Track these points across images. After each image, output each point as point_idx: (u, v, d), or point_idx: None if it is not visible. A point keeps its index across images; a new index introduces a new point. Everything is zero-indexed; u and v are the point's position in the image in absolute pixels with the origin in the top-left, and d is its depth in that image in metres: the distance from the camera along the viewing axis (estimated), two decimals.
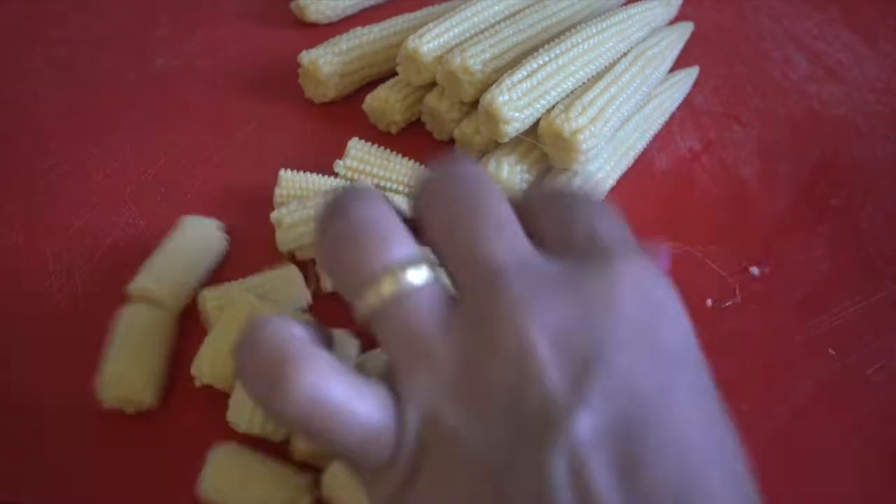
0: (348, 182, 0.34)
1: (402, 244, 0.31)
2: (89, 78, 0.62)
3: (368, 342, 0.46)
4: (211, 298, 0.46)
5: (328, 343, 0.34)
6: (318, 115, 0.59)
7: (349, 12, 0.65)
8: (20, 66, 0.63)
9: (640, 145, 0.55)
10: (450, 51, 0.53)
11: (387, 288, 0.30)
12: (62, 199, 0.54)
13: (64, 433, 0.43)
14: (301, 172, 0.52)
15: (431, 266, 0.31)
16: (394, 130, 0.57)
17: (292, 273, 0.47)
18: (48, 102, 0.60)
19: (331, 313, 0.46)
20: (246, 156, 0.56)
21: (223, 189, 0.54)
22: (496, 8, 0.57)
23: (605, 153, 0.52)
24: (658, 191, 0.54)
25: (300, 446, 0.41)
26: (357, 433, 0.30)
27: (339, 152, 0.53)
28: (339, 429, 0.29)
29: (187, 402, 0.44)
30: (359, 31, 0.59)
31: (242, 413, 0.41)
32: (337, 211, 0.32)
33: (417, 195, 0.33)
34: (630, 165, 0.54)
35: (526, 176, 0.51)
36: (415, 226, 0.33)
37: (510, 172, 0.50)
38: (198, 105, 0.60)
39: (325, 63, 0.57)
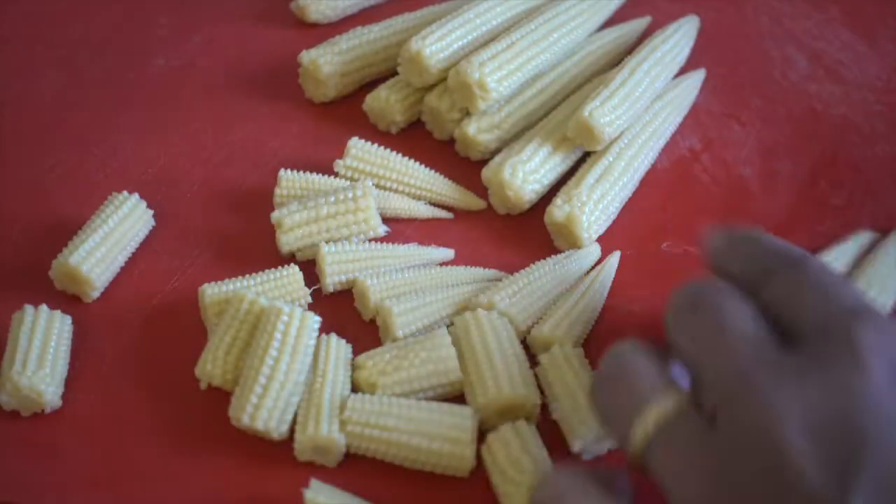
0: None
1: (660, 385, 0.34)
2: (89, 78, 0.62)
3: (360, 348, 0.46)
4: (211, 297, 0.46)
5: (621, 486, 0.37)
6: (318, 115, 0.59)
7: (349, 12, 0.65)
8: (20, 66, 0.63)
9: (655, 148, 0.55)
10: (463, 58, 0.53)
11: (654, 418, 0.33)
12: (62, 199, 0.54)
13: None
14: (301, 172, 0.52)
15: (682, 394, 0.34)
16: (394, 130, 0.57)
17: (292, 273, 0.47)
18: (48, 102, 0.60)
19: (330, 314, 0.46)
20: (246, 156, 0.56)
21: (223, 189, 0.54)
22: (499, 9, 0.57)
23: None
24: (658, 190, 0.54)
25: (303, 446, 0.41)
26: None
27: (339, 152, 0.53)
28: None
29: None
30: (359, 31, 0.59)
31: (243, 407, 0.41)
32: (608, 361, 0.36)
33: (669, 321, 0.36)
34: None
35: (537, 187, 0.51)
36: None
37: (524, 181, 0.50)
38: (198, 105, 0.60)
39: (325, 63, 0.57)
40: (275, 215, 0.49)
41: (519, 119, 0.54)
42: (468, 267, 0.49)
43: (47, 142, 0.57)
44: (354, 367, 0.44)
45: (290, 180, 0.51)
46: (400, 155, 0.53)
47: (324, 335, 0.44)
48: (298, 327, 0.42)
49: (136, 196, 0.51)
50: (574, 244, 0.50)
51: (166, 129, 0.58)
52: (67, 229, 0.49)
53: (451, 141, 0.56)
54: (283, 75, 0.60)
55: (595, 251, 0.50)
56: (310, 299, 0.47)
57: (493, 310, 0.45)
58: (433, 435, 0.40)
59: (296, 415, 0.42)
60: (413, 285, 0.47)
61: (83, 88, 0.61)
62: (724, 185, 0.54)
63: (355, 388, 0.43)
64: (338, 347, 0.44)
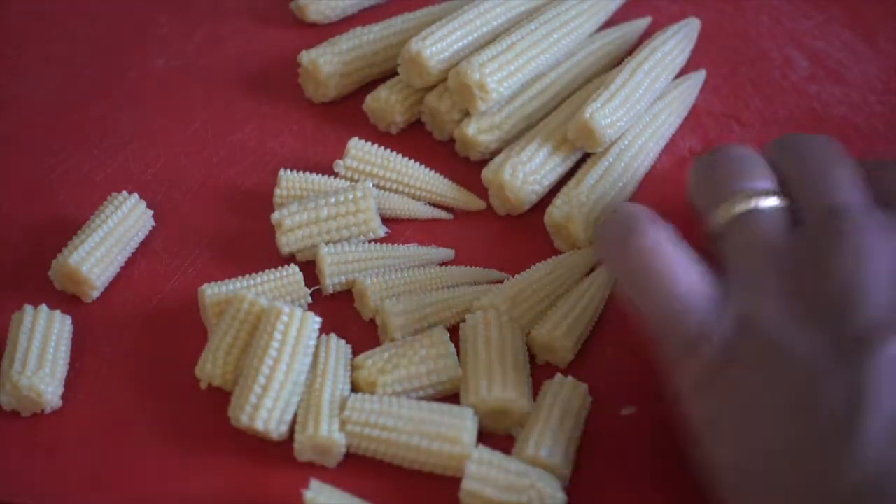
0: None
1: (763, 178, 0.37)
2: (89, 78, 0.62)
3: (360, 348, 0.46)
4: (211, 297, 0.46)
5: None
6: (318, 115, 0.59)
7: (349, 12, 0.65)
8: (20, 66, 0.63)
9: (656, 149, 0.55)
10: (463, 59, 0.53)
11: (739, 206, 0.36)
12: (62, 199, 0.54)
13: None
14: (301, 172, 0.52)
15: (783, 199, 0.36)
16: (394, 131, 0.57)
17: (292, 273, 0.47)
18: (48, 102, 0.60)
19: (330, 315, 0.46)
20: (246, 156, 0.56)
21: (223, 189, 0.54)
22: (499, 10, 0.57)
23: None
24: (658, 190, 0.54)
25: (302, 446, 0.41)
26: (682, 295, 0.34)
27: (339, 152, 0.53)
28: (669, 285, 0.34)
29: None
30: (359, 31, 0.59)
31: (242, 407, 0.41)
32: (716, 149, 0.39)
33: (778, 149, 0.38)
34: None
35: (537, 188, 0.51)
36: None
37: (524, 182, 0.50)
38: (198, 105, 0.60)
39: (325, 63, 0.57)
40: (275, 216, 0.49)
41: (519, 119, 0.54)
42: (468, 267, 0.49)
43: (47, 142, 0.57)
44: (354, 368, 0.44)
45: (290, 180, 0.51)
46: (400, 155, 0.53)
47: (323, 335, 0.44)
48: (298, 328, 0.42)
49: (136, 196, 0.51)
50: (573, 245, 0.49)
51: (166, 129, 0.58)
52: (67, 229, 0.49)
53: (451, 141, 0.56)
54: (283, 75, 0.60)
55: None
56: (310, 300, 0.47)
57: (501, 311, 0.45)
58: (433, 435, 0.40)
59: (295, 415, 0.42)
60: (412, 285, 0.47)
61: (83, 88, 0.61)
62: None
63: (355, 388, 0.44)
64: (337, 348, 0.44)
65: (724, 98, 0.60)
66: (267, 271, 0.47)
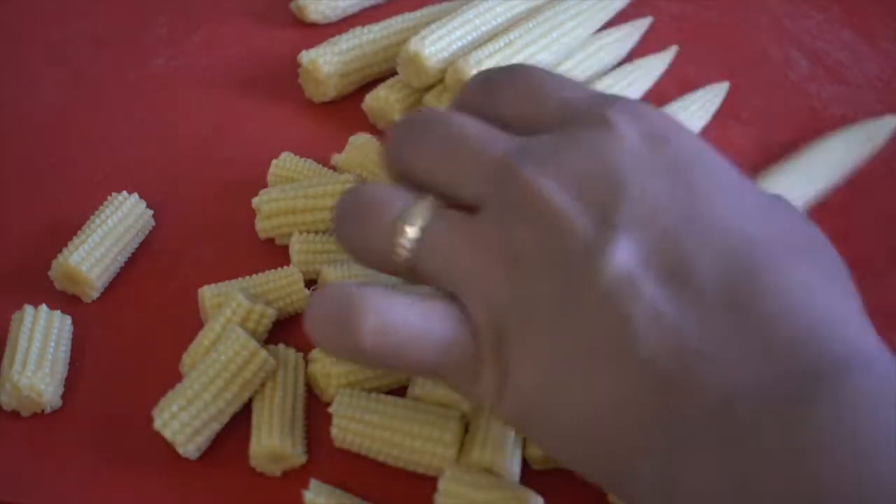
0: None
1: (397, 197, 0.34)
2: (89, 78, 0.62)
3: None
4: (210, 297, 0.46)
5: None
6: (318, 115, 0.59)
7: (349, 12, 0.65)
8: (20, 66, 0.63)
9: None
10: (460, 56, 0.53)
11: (412, 228, 0.33)
12: (62, 199, 0.54)
13: None
14: (301, 158, 0.52)
15: (430, 198, 0.34)
16: None
17: (292, 274, 0.47)
18: (48, 102, 0.60)
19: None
20: (246, 156, 0.56)
21: (223, 189, 0.54)
22: (499, 10, 0.57)
23: None
24: None
25: (258, 456, 0.41)
26: (436, 348, 0.32)
27: (339, 151, 0.53)
28: (419, 348, 0.32)
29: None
30: (359, 30, 0.59)
31: (161, 411, 0.41)
32: (339, 203, 0.36)
33: (392, 150, 0.36)
34: None
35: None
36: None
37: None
38: (198, 105, 0.60)
39: (325, 63, 0.57)
40: (255, 201, 0.50)
41: None
42: None
43: (47, 142, 0.57)
44: (309, 361, 0.44)
45: (287, 161, 0.52)
46: None
47: (272, 346, 0.44)
48: (246, 359, 0.42)
49: (135, 196, 0.51)
50: None
51: (166, 129, 0.58)
52: (67, 229, 0.49)
53: None
54: (282, 75, 0.60)
55: None
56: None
57: None
58: (416, 433, 0.40)
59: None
60: (376, 275, 0.47)
61: (83, 88, 0.61)
62: None
63: (310, 383, 0.44)
64: (287, 356, 0.44)
65: (723, 98, 0.60)
66: (267, 272, 0.47)
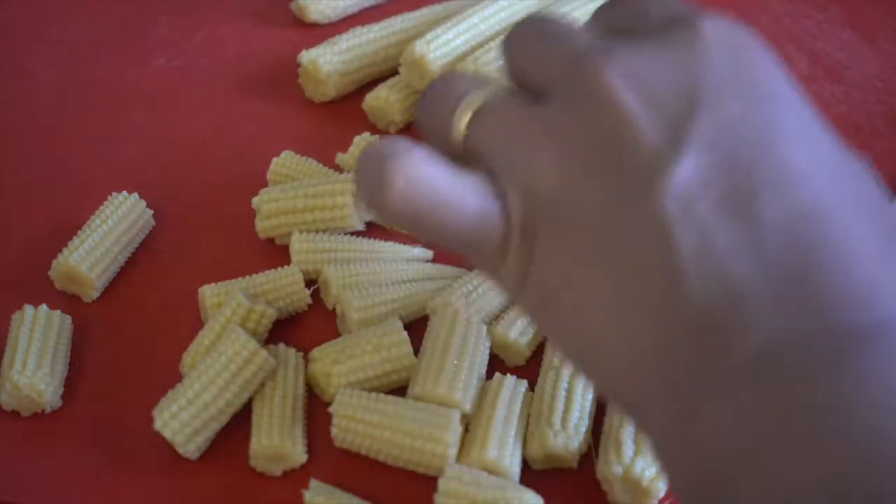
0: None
1: (472, 81, 0.33)
2: (89, 78, 0.62)
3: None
4: (210, 296, 0.46)
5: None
6: (318, 115, 0.59)
7: (349, 12, 0.65)
8: (20, 66, 0.63)
9: None
10: (460, 59, 0.53)
11: (469, 106, 0.32)
12: (62, 199, 0.54)
13: None
14: (303, 157, 0.53)
15: (510, 87, 0.33)
16: (393, 130, 0.57)
17: (292, 273, 0.47)
18: (48, 102, 0.60)
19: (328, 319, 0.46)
20: (246, 156, 0.56)
21: (223, 188, 0.54)
22: (503, 14, 0.57)
23: None
24: None
25: (257, 456, 0.41)
26: (464, 216, 0.31)
27: (340, 151, 0.53)
28: (447, 212, 0.31)
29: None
30: (359, 30, 0.59)
31: (162, 411, 0.41)
32: (427, 85, 0.35)
33: (505, 43, 0.35)
34: None
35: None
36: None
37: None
38: (198, 105, 0.60)
39: (325, 62, 0.57)
40: (255, 200, 0.50)
41: None
42: (433, 263, 0.50)
43: (47, 142, 0.57)
44: (309, 361, 0.44)
45: (287, 160, 0.52)
46: None
47: (272, 346, 0.44)
48: (246, 359, 0.42)
49: (135, 196, 0.51)
50: None
51: (166, 129, 0.58)
52: (67, 229, 0.49)
53: None
54: (283, 75, 0.60)
55: None
56: (309, 300, 0.47)
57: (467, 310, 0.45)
58: (416, 434, 0.40)
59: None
60: (375, 277, 0.47)
61: (83, 88, 0.61)
62: None
63: (311, 381, 0.44)
64: (287, 356, 0.44)
65: None
66: (267, 272, 0.47)
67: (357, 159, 0.34)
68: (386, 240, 0.50)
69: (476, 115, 0.32)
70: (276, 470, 0.41)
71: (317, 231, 0.49)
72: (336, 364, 0.43)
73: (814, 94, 0.60)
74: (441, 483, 0.39)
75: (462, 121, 0.32)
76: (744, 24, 0.32)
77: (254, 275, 0.47)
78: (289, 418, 0.41)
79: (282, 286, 0.46)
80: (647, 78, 0.29)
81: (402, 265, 0.49)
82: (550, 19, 0.34)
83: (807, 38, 0.64)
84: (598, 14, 0.34)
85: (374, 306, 0.46)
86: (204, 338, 0.44)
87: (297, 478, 0.41)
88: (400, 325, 0.44)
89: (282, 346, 0.44)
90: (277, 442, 0.40)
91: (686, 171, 0.28)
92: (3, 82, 0.62)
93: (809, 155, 0.29)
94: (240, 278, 0.47)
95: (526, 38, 0.34)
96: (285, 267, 0.47)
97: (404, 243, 0.50)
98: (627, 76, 0.29)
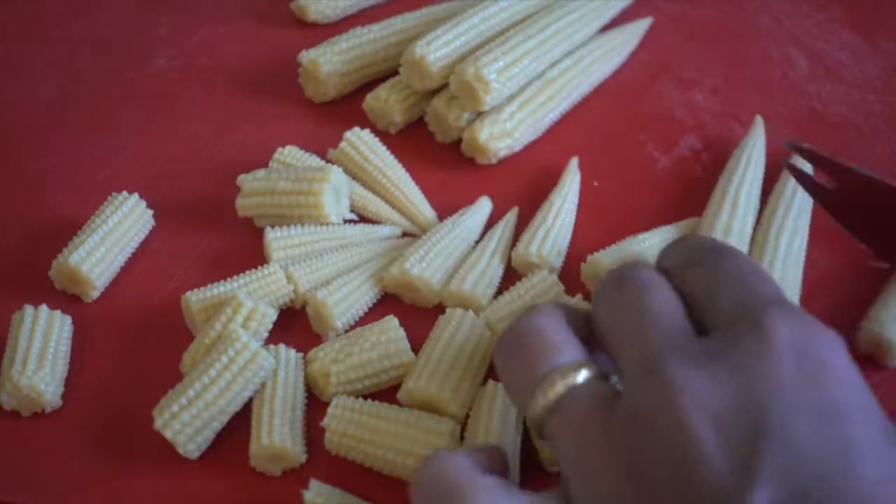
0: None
1: (567, 350, 0.33)
2: (89, 78, 0.62)
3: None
4: (196, 302, 0.45)
5: (495, 463, 0.36)
6: (318, 115, 0.59)
7: (349, 12, 0.65)
8: (20, 66, 0.63)
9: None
10: (460, 60, 0.53)
11: (552, 391, 0.32)
12: (62, 199, 0.54)
13: None
14: (304, 151, 0.53)
15: (596, 367, 0.33)
16: (393, 130, 0.57)
17: (275, 272, 0.47)
18: (48, 102, 0.60)
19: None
20: (246, 156, 0.56)
21: (223, 189, 0.54)
22: (503, 15, 0.57)
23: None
24: (659, 189, 0.54)
25: (257, 456, 0.41)
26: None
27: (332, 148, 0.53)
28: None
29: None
30: (359, 30, 0.59)
31: (162, 411, 0.41)
32: (508, 326, 0.35)
33: (593, 301, 0.35)
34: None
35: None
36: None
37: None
38: (198, 105, 0.60)
39: (325, 62, 0.57)
40: (240, 178, 0.50)
41: (529, 126, 0.54)
42: (366, 224, 0.51)
43: (47, 142, 0.57)
44: (307, 362, 0.44)
45: (288, 152, 0.53)
46: (394, 157, 0.53)
47: (272, 346, 0.44)
48: (248, 360, 0.42)
49: (136, 196, 0.51)
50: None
51: (166, 129, 0.58)
52: (67, 229, 0.49)
53: (451, 143, 0.56)
54: (283, 75, 0.60)
55: (486, 206, 0.52)
56: (293, 295, 0.47)
57: (472, 311, 0.46)
58: (408, 451, 0.40)
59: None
60: (337, 265, 0.48)
61: (83, 88, 0.61)
62: None
63: (309, 382, 0.44)
64: (287, 357, 0.44)
65: (724, 98, 0.60)
66: (249, 272, 0.47)
67: (416, 482, 0.34)
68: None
69: (557, 406, 0.32)
70: (276, 470, 0.41)
71: (292, 218, 0.49)
72: (334, 363, 0.43)
73: (814, 94, 0.60)
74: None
75: (545, 401, 0.32)
76: (811, 318, 0.31)
77: (237, 276, 0.47)
78: (288, 418, 0.41)
79: (266, 284, 0.46)
80: (716, 402, 0.29)
81: (375, 245, 0.49)
82: (634, 278, 0.34)
83: (807, 38, 0.64)
84: (684, 272, 0.34)
85: (349, 298, 0.46)
86: (204, 337, 0.44)
87: (296, 478, 0.41)
88: (396, 322, 0.44)
89: (282, 346, 0.44)
90: (277, 442, 0.40)
91: None
92: (3, 82, 0.62)
93: (880, 475, 0.29)
94: (221, 281, 0.47)
95: (613, 312, 0.34)
96: (266, 265, 0.47)
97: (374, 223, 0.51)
98: (696, 393, 0.29)
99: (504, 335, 0.35)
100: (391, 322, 0.44)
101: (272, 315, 0.45)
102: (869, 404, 0.30)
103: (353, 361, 0.43)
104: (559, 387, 0.32)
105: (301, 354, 0.44)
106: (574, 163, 0.53)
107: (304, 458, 0.41)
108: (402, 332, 0.44)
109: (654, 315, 0.32)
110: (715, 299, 0.33)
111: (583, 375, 0.32)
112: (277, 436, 0.40)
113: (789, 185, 0.51)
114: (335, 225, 0.49)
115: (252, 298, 0.45)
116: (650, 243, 0.48)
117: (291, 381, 0.43)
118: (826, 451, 0.28)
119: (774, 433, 0.28)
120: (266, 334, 0.45)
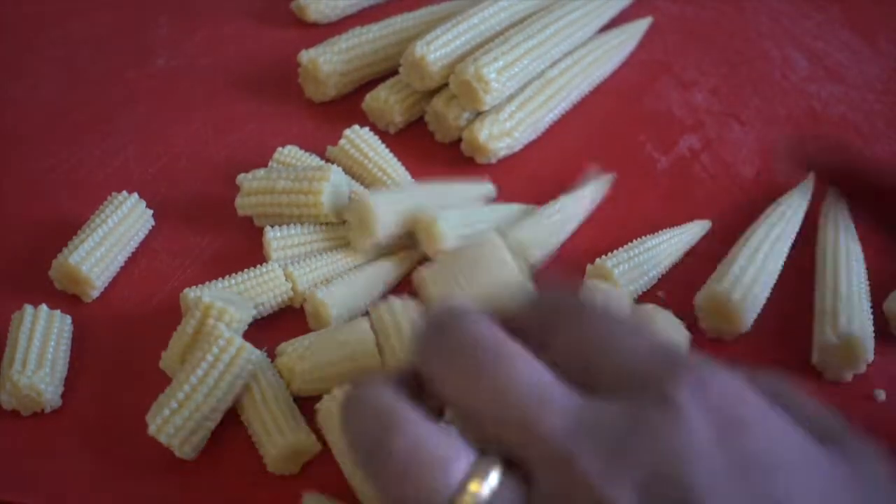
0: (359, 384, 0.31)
1: (458, 457, 0.29)
2: (89, 78, 0.62)
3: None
4: (194, 300, 0.45)
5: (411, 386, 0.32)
6: (317, 115, 0.59)
7: (349, 12, 0.65)
8: (20, 66, 0.63)
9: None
10: (460, 60, 0.53)
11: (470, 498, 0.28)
12: (62, 199, 0.54)
13: None
14: (303, 151, 0.53)
15: (495, 464, 0.29)
16: (392, 130, 0.57)
17: (272, 270, 0.47)
18: (48, 102, 0.60)
19: None
20: (246, 156, 0.56)
21: (223, 189, 0.54)
22: (503, 15, 0.57)
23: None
24: (658, 190, 0.54)
25: (275, 460, 0.41)
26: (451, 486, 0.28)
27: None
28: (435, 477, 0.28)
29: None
30: (358, 30, 0.59)
31: (154, 417, 0.41)
32: (378, 454, 0.30)
33: (424, 362, 0.31)
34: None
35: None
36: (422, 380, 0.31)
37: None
38: (198, 105, 0.60)
39: (325, 62, 0.57)
40: (239, 178, 0.50)
41: (529, 126, 0.55)
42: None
43: (47, 142, 0.57)
44: (276, 354, 0.44)
45: (288, 152, 0.53)
46: (393, 156, 0.53)
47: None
48: (233, 355, 0.41)
49: (135, 196, 0.51)
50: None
51: (166, 129, 0.58)
52: (67, 229, 0.49)
53: (451, 143, 0.56)
54: (283, 75, 0.60)
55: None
56: (292, 294, 0.47)
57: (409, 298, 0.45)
58: (352, 470, 0.40)
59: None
60: (335, 265, 0.48)
61: (83, 88, 0.61)
62: (723, 184, 0.54)
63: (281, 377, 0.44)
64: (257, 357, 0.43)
65: (724, 98, 0.60)
66: (247, 270, 0.47)
67: (345, 409, 0.30)
68: None
69: None
70: (296, 467, 0.41)
71: (291, 218, 0.49)
72: (301, 359, 0.43)
73: (814, 94, 0.60)
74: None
75: None
76: (709, 368, 0.29)
77: (234, 274, 0.47)
78: (289, 415, 0.41)
79: (263, 282, 0.46)
80: (642, 482, 0.27)
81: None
82: (474, 333, 0.30)
83: (807, 38, 0.64)
84: (547, 337, 0.31)
85: (349, 297, 0.46)
86: (178, 340, 0.44)
87: (295, 478, 0.41)
88: (366, 323, 0.44)
89: (247, 346, 0.44)
90: (292, 439, 0.40)
91: None
92: (3, 82, 0.62)
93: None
94: (219, 279, 0.47)
95: (470, 393, 0.29)
96: (264, 264, 0.47)
97: None
98: (623, 485, 0.27)
99: (377, 461, 0.29)
100: (361, 324, 0.44)
101: (241, 318, 0.44)
102: (799, 452, 0.29)
103: (319, 359, 0.43)
104: (482, 494, 0.28)
105: (265, 353, 0.44)
106: (597, 178, 0.53)
107: (318, 446, 0.41)
108: (371, 335, 0.44)
109: (532, 392, 0.29)
110: (596, 362, 0.30)
111: (488, 485, 0.28)
112: (292, 434, 0.40)
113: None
114: (335, 225, 0.49)
115: (224, 299, 0.44)
116: (657, 242, 0.48)
117: (273, 380, 0.43)
118: None
119: (701, 499, 0.27)
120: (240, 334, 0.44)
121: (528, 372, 0.29)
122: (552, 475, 0.28)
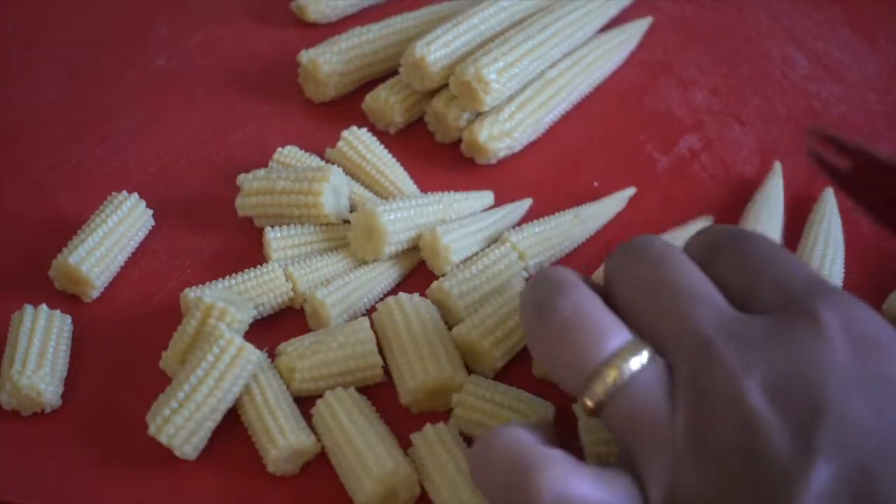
0: (545, 271, 0.35)
1: (616, 332, 0.33)
2: (89, 78, 0.62)
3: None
4: (195, 300, 0.45)
5: (548, 437, 0.35)
6: (317, 115, 0.59)
7: (349, 12, 0.65)
8: (20, 66, 0.63)
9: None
10: (460, 61, 0.53)
11: (610, 379, 0.32)
12: (62, 199, 0.54)
13: None
14: (303, 151, 0.53)
15: (647, 347, 0.33)
16: (392, 131, 0.57)
17: (273, 270, 0.47)
18: (48, 102, 0.60)
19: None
20: (246, 156, 0.56)
21: (223, 189, 0.54)
22: (503, 15, 0.57)
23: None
24: (658, 190, 0.54)
25: (276, 461, 0.41)
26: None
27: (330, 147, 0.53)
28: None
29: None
30: (358, 30, 0.59)
31: (154, 417, 0.41)
32: (544, 308, 0.34)
33: (609, 276, 0.35)
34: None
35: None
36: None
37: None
38: (198, 105, 0.60)
39: (325, 62, 0.57)
40: (239, 178, 0.50)
41: (529, 126, 0.55)
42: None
43: (47, 142, 0.57)
44: (276, 354, 0.44)
45: (288, 152, 0.53)
46: (393, 158, 0.53)
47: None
48: (233, 356, 0.41)
49: (135, 196, 0.51)
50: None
51: (166, 129, 0.58)
52: (67, 229, 0.49)
53: (451, 143, 0.56)
54: (282, 75, 0.60)
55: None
56: (292, 294, 0.47)
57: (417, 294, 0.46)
58: (347, 472, 0.40)
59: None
60: (336, 266, 0.48)
61: (83, 88, 0.61)
62: (723, 184, 0.54)
63: (281, 378, 0.44)
64: (258, 361, 0.43)
65: (723, 97, 0.60)
66: (247, 270, 0.47)
67: (478, 453, 0.33)
68: None
69: (616, 392, 0.32)
70: (296, 467, 0.41)
71: (291, 218, 0.49)
72: (300, 359, 0.43)
73: (814, 94, 0.60)
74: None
75: (605, 388, 0.32)
76: (854, 299, 0.32)
77: (234, 275, 0.47)
78: (289, 415, 0.41)
79: (264, 282, 0.46)
80: (772, 377, 0.30)
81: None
82: (659, 252, 0.34)
83: (807, 38, 0.64)
84: (710, 264, 0.34)
85: (347, 299, 0.46)
86: (179, 340, 0.44)
87: (295, 478, 0.41)
88: (367, 323, 0.44)
89: (247, 345, 0.44)
90: (292, 439, 0.40)
91: (817, 485, 0.28)
92: (3, 82, 0.62)
93: None
94: (219, 279, 0.47)
95: (642, 288, 0.34)
96: (265, 264, 0.47)
97: None
98: (754, 376, 0.30)
99: (543, 314, 0.34)
100: (362, 324, 0.44)
101: (242, 318, 0.44)
102: None
103: (318, 360, 0.43)
104: (618, 375, 0.32)
105: (265, 354, 0.44)
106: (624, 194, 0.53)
107: (319, 447, 0.41)
108: (371, 335, 0.44)
109: (693, 294, 0.33)
110: (752, 284, 0.33)
111: (639, 360, 0.32)
112: (292, 435, 0.40)
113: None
114: (335, 225, 0.49)
115: (225, 300, 0.44)
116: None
117: (274, 381, 0.43)
118: (883, 426, 0.29)
119: (832, 411, 0.29)
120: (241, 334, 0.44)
121: (698, 279, 0.33)
122: (695, 365, 0.31)
